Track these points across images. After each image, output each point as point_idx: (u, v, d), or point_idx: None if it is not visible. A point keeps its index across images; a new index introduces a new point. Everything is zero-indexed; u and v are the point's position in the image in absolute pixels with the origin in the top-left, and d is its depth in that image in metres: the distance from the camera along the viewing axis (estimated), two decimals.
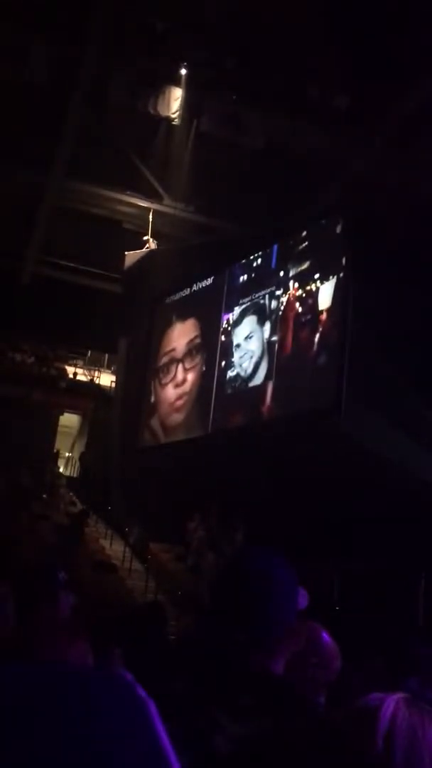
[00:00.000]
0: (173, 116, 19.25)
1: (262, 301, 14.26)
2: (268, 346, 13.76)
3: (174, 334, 15.40)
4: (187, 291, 16.11)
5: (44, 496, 18.71)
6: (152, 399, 14.32)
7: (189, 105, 18.86)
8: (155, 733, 0.65)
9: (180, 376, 13.67)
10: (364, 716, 1.08)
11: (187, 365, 13.95)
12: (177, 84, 18.85)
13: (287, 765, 0.91)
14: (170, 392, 13.69)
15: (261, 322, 14.19)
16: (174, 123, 19.30)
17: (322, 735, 0.92)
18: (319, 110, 16.72)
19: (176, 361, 14.51)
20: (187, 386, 13.62)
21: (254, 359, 13.82)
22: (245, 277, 15.53)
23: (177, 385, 13.52)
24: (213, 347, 15.04)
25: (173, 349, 14.65)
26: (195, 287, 16.28)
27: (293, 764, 0.91)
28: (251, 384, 14.04)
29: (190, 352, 14.38)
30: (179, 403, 13.42)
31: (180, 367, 13.99)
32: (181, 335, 15.35)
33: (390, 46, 13.57)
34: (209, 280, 15.37)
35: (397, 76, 13.85)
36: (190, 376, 13.79)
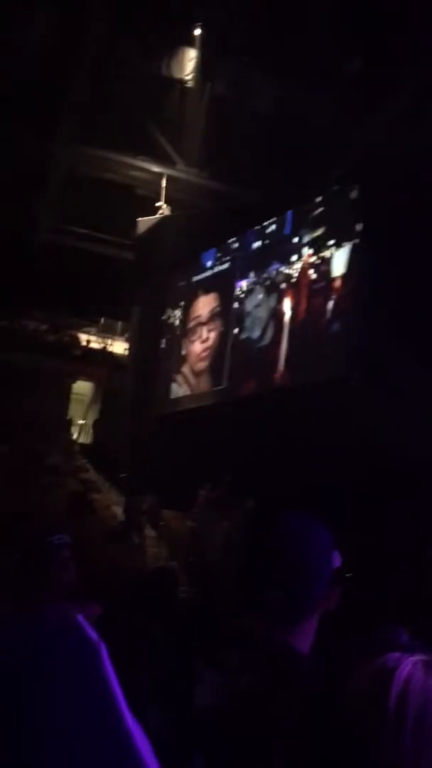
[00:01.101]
0: (187, 78, 18.94)
1: (275, 268, 14.19)
2: (281, 314, 13.77)
3: (199, 305, 16.64)
4: (209, 263, 17.00)
5: (57, 463, 18.83)
6: (183, 352, 16.19)
7: (203, 67, 18.54)
8: (101, 677, 0.63)
9: (204, 335, 15.66)
10: (380, 675, 1.06)
11: (210, 327, 15.74)
12: (191, 45, 18.52)
13: (268, 721, 0.89)
14: (197, 346, 15.80)
15: (273, 289, 14.17)
16: (187, 85, 18.99)
17: (306, 694, 0.90)
18: (331, 73, 16.37)
19: (201, 324, 16.12)
20: (209, 342, 15.57)
21: (266, 326, 14.03)
22: (259, 243, 15.42)
23: (202, 342, 15.60)
24: (228, 314, 15.68)
25: (199, 316, 16.24)
26: (215, 263, 16.90)
27: (274, 721, 0.89)
28: (263, 351, 14.10)
29: (212, 317, 15.84)
30: (204, 354, 15.56)
31: (204, 328, 15.82)
32: (205, 305, 16.54)
33: (406, 4, 13.20)
34: (226, 261, 16.27)
35: (414, 37, 13.49)
36: (213, 335, 15.61)
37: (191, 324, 16.83)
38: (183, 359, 16.61)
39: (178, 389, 16.39)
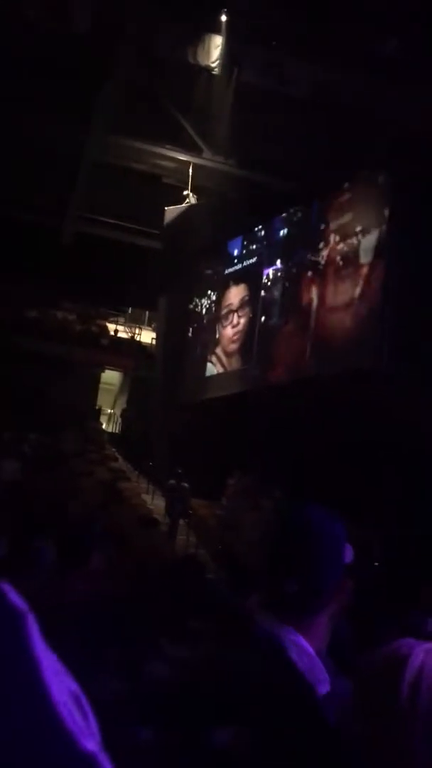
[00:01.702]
0: (213, 65, 18.82)
1: (301, 255, 14.14)
2: (308, 301, 13.73)
3: (231, 294, 16.91)
4: (235, 251, 17.30)
5: (87, 452, 18.96)
6: (217, 336, 16.59)
7: (229, 53, 18.41)
8: (21, 645, 0.61)
9: (235, 320, 16.10)
10: (393, 662, 1.06)
11: (240, 313, 16.13)
12: (217, 32, 18.39)
13: (219, 694, 0.87)
14: (229, 330, 16.26)
15: (300, 277, 14.13)
16: (214, 72, 18.87)
17: (260, 667, 0.88)
18: (365, 56, 16.13)
19: (233, 311, 16.48)
20: (240, 326, 16.01)
21: (293, 313, 14.19)
22: (285, 231, 15.34)
23: (233, 326, 16.08)
24: (256, 302, 15.87)
25: (230, 304, 16.59)
26: (242, 250, 17.12)
27: (224, 694, 0.88)
28: (290, 339, 14.11)
29: (242, 305, 16.17)
30: (235, 337, 16.02)
31: (235, 314, 16.23)
32: (236, 295, 16.79)
33: None
34: (252, 249, 16.57)
35: None
36: (243, 320, 15.99)
37: (224, 311, 17.13)
38: (217, 342, 16.99)
39: (213, 368, 16.81)
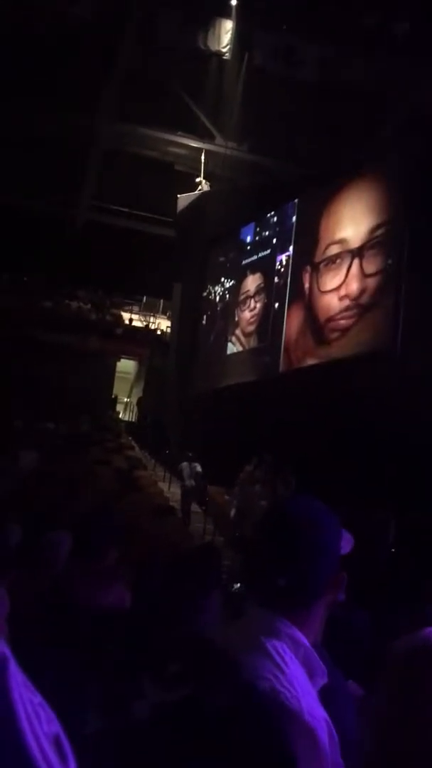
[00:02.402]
0: (224, 50, 18.72)
1: (314, 240, 14.07)
2: (320, 287, 13.68)
3: (248, 283, 16.94)
4: (248, 238, 17.26)
5: (104, 441, 19.05)
6: (236, 318, 16.75)
7: (240, 38, 18.29)
8: (2, 695, 0.62)
9: (252, 305, 16.20)
10: (422, 652, 1.07)
11: (257, 298, 16.23)
12: (227, 16, 18.27)
13: (199, 737, 0.86)
14: (246, 314, 16.36)
15: (313, 261, 14.05)
16: (225, 58, 18.76)
17: (235, 711, 0.87)
18: (376, 38, 15.97)
19: (250, 297, 16.54)
20: (256, 310, 16.08)
21: (304, 297, 14.10)
22: (297, 215, 15.24)
23: (251, 310, 16.12)
24: (270, 288, 15.82)
25: (248, 290, 16.62)
26: (255, 236, 17.06)
27: (203, 737, 0.87)
28: (303, 325, 14.16)
29: (258, 291, 16.21)
30: (252, 320, 16.09)
31: (252, 300, 16.32)
32: (252, 283, 16.79)
33: None
34: (265, 235, 16.51)
35: None
36: (259, 305, 16.07)
37: (242, 297, 17.26)
38: (236, 324, 17.18)
39: (233, 347, 17.02)
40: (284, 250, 15.48)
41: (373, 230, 10.15)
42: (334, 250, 11.10)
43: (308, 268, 12.47)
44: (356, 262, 10.57)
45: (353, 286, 10.82)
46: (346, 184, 11.30)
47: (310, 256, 12.40)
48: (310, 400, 13.17)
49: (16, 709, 0.61)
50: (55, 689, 0.75)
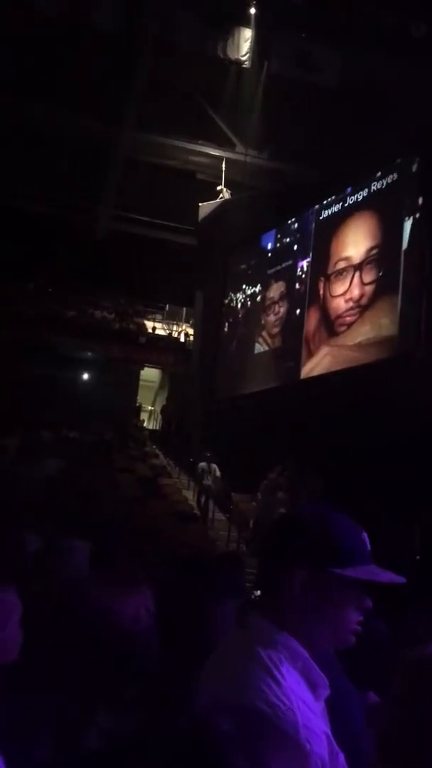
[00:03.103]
0: (243, 59, 18.79)
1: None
2: (342, 291, 13.76)
3: (272, 290, 17.13)
4: (269, 245, 17.44)
5: (128, 449, 19.10)
6: (263, 321, 17.02)
7: (259, 46, 18.35)
8: None
9: (277, 309, 16.51)
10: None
11: (280, 304, 16.46)
12: (246, 25, 18.35)
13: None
14: (272, 317, 16.71)
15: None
16: (244, 66, 18.84)
17: (185, 747, 0.83)
18: (395, 41, 15.93)
19: (274, 302, 16.83)
20: (280, 314, 16.41)
21: (326, 302, 14.23)
22: (318, 222, 15.22)
23: (275, 314, 16.56)
24: (293, 294, 15.92)
25: (272, 297, 16.90)
26: (276, 243, 17.19)
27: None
28: (327, 327, 14.22)
29: (282, 297, 16.45)
30: (277, 322, 16.44)
31: (276, 305, 16.61)
32: (276, 290, 16.97)
33: None
34: (285, 241, 16.74)
35: None
36: (282, 309, 16.33)
37: (267, 303, 17.42)
38: (263, 326, 17.39)
39: (260, 347, 17.27)
40: (305, 256, 15.49)
41: (369, 251, 12.30)
42: (342, 265, 13.07)
43: (322, 278, 13.97)
44: (357, 274, 12.59)
45: (355, 292, 12.65)
46: (350, 216, 13.17)
47: (324, 269, 13.91)
48: (333, 405, 13.10)
49: None
50: (8, 713, 0.73)
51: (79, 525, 6.37)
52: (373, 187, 12.11)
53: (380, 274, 11.48)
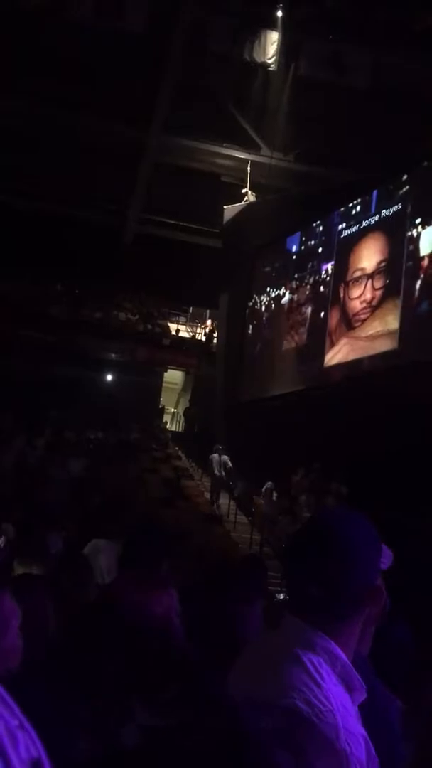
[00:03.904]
0: (270, 62, 18.76)
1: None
2: (369, 296, 13.80)
3: (299, 291, 17.25)
4: (293, 247, 17.58)
5: (151, 450, 19.17)
6: (288, 323, 17.30)
7: (286, 49, 18.32)
8: None
9: (303, 311, 16.86)
10: None
11: (306, 305, 16.76)
12: (273, 28, 18.32)
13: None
14: (298, 318, 16.96)
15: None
16: (270, 69, 18.81)
17: (225, 745, 0.83)
18: (424, 42, 15.82)
19: (300, 304, 17.07)
20: (306, 315, 16.70)
21: (351, 307, 14.53)
22: (344, 225, 15.20)
23: (301, 315, 16.96)
24: (317, 297, 16.04)
25: (298, 299, 17.18)
26: (300, 246, 17.34)
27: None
28: (351, 331, 14.43)
29: (307, 300, 16.74)
30: (302, 322, 16.73)
31: (303, 307, 16.93)
32: (302, 292, 17.14)
33: None
34: (311, 244, 16.95)
35: None
36: (308, 310, 16.65)
37: (293, 305, 17.48)
38: (288, 328, 17.58)
39: (285, 349, 17.47)
40: (329, 259, 15.52)
41: (379, 263, 13.52)
42: (358, 274, 14.15)
43: (342, 284, 14.87)
44: (370, 281, 13.70)
45: (368, 295, 13.69)
46: (365, 236, 14.26)
47: (344, 277, 14.83)
48: (359, 409, 13.06)
49: None
50: (45, 708, 0.74)
51: (110, 526, 6.41)
52: (383, 213, 13.60)
53: (387, 281, 13.04)
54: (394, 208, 13.21)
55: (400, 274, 12.59)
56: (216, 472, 16.18)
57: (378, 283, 13.25)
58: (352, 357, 13.94)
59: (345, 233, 14.73)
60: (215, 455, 16.30)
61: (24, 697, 0.71)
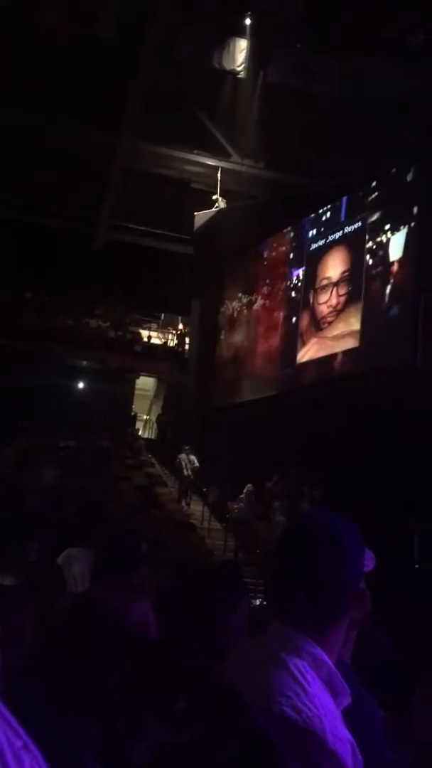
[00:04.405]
0: (239, 69, 18.83)
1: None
2: (337, 300, 14.18)
3: (270, 296, 17.31)
4: (264, 253, 17.67)
5: (123, 458, 19.07)
6: (260, 328, 17.44)
7: (255, 56, 18.41)
8: None
9: (275, 315, 16.99)
10: None
11: (278, 310, 16.86)
12: (242, 35, 18.40)
13: None
14: (270, 323, 17.18)
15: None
16: (239, 76, 18.88)
17: (250, 755, 0.81)
18: (393, 51, 16.00)
19: (272, 309, 17.09)
20: (278, 320, 16.85)
21: (323, 312, 14.71)
22: (314, 231, 15.32)
23: (273, 320, 17.13)
24: (288, 304, 16.12)
25: (270, 304, 17.29)
26: (271, 252, 17.47)
27: None
28: (322, 337, 14.58)
29: (279, 304, 16.85)
30: (274, 327, 16.96)
31: (275, 312, 17.02)
32: (273, 297, 17.16)
33: None
34: (281, 250, 17.06)
35: None
36: (280, 315, 16.80)
37: (265, 310, 17.58)
38: (260, 333, 17.61)
39: (260, 350, 17.51)
40: (300, 265, 15.64)
41: (342, 273, 14.07)
42: (325, 282, 14.64)
43: (312, 290, 15.20)
44: (335, 288, 14.25)
45: (333, 301, 14.23)
46: (330, 249, 14.80)
47: (313, 284, 15.19)
48: (331, 413, 13.14)
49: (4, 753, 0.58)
50: (51, 727, 0.72)
51: (84, 534, 6.35)
52: (346, 230, 14.30)
53: (349, 288, 13.82)
54: (356, 225, 13.88)
55: (360, 282, 13.41)
56: (184, 471, 16.65)
57: (342, 290, 14.09)
58: (321, 354, 14.58)
59: (313, 246, 15.33)
60: (182, 455, 16.77)
61: (22, 713, 0.69)
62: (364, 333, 13.15)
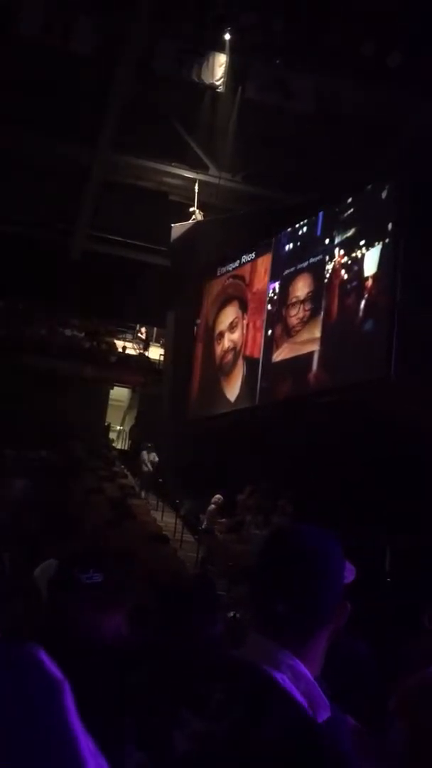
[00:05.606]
0: (217, 83, 18.93)
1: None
2: (312, 314, 14.38)
3: (248, 310, 17.32)
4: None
5: (96, 469, 18.95)
6: (236, 341, 17.60)
7: (233, 71, 18.53)
8: (60, 718, 0.58)
9: (251, 328, 17.19)
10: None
11: (256, 324, 16.94)
12: (221, 50, 18.52)
13: None
14: (245, 336, 17.40)
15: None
16: (218, 90, 19.00)
17: (290, 742, 0.81)
18: (370, 69, 16.20)
19: (248, 323, 17.29)
20: (252, 333, 17.09)
21: (298, 326, 14.98)
22: (291, 245, 15.46)
23: (248, 334, 17.37)
24: (262, 315, 16.30)
25: (245, 318, 17.42)
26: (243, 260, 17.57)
27: None
28: (296, 351, 14.75)
29: (256, 317, 16.87)
30: (249, 340, 17.19)
31: (250, 324, 17.21)
32: (250, 311, 17.24)
33: None
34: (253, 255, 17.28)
35: None
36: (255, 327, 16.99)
37: (240, 323, 17.71)
38: (235, 346, 17.76)
39: (235, 362, 17.72)
40: (276, 278, 15.74)
41: (308, 293, 14.52)
42: (294, 300, 15.04)
43: (285, 306, 15.48)
44: (302, 304, 14.67)
45: (301, 314, 14.65)
46: (299, 275, 15.20)
47: (286, 300, 15.42)
48: (306, 427, 13.19)
49: (79, 739, 0.56)
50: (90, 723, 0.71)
51: (56, 546, 6.29)
52: (311, 260, 14.87)
53: (312, 305, 14.38)
54: (319, 257, 14.55)
55: (320, 300, 14.13)
56: (144, 468, 17.59)
57: (307, 306, 14.73)
58: (290, 355, 15.06)
59: (286, 272, 15.97)
60: (144, 452, 17.80)
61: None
62: (323, 338, 14.13)
